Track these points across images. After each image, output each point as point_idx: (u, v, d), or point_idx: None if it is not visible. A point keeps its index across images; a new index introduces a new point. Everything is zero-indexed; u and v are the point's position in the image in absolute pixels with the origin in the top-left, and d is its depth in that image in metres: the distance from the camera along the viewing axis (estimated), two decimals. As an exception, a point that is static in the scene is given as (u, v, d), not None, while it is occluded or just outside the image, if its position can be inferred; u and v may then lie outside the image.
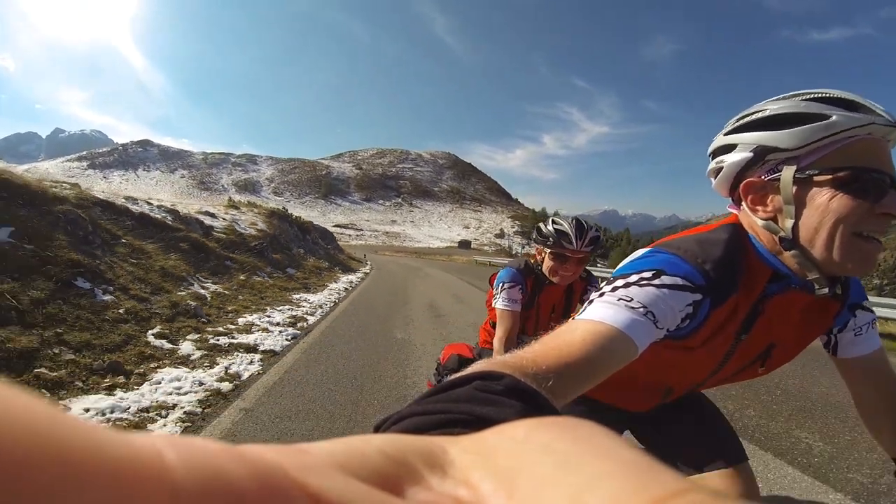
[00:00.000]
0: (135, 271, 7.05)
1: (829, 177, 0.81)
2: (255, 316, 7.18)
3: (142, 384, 3.86)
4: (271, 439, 2.95)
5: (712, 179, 1.00)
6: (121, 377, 3.95)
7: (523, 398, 0.34)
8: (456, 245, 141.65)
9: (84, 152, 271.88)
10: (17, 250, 5.39)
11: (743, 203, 0.93)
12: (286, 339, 5.99)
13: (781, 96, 0.90)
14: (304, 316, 7.83)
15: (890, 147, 0.85)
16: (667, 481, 0.15)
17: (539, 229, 2.31)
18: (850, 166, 0.80)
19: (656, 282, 0.82)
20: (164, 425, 3.17)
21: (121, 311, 5.50)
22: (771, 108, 0.88)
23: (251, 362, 4.86)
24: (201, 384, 3.97)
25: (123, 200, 9.91)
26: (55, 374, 3.69)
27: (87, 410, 3.24)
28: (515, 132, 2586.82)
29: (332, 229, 27.78)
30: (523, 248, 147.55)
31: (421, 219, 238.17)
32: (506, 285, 2.22)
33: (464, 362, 2.57)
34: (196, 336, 5.53)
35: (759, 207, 0.90)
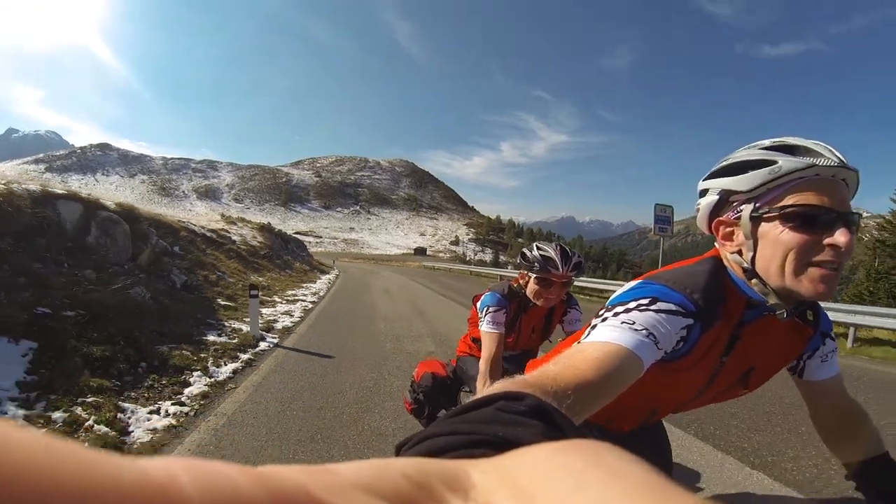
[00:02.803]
0: (227, 269, 13.43)
1: (777, 213, 0.91)
2: (293, 291, 13.87)
3: (276, 307, 10.39)
4: (333, 319, 9.50)
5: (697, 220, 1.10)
6: (266, 307, 10.42)
7: (546, 418, 0.34)
8: (412, 252, 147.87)
9: (41, 155, 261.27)
10: (190, 257, 11.72)
11: (718, 239, 1.03)
12: (317, 299, 12.75)
13: (746, 146, 1.01)
14: (317, 291, 14.63)
15: (845, 184, 0.92)
16: (682, 501, 0.15)
17: (524, 255, 2.38)
18: (794, 204, 0.89)
19: (654, 307, 0.89)
20: (296, 311, 9.71)
21: (240, 286, 11.94)
22: (735, 157, 0.99)
23: (309, 304, 11.51)
24: (297, 307, 10.56)
25: (191, 224, 16.12)
26: (241, 305, 10.14)
27: (273, 308, 9.68)
28: (473, 140, 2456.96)
29: (292, 237, 32.65)
30: (476, 255, 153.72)
31: (378, 226, 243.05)
32: (491, 309, 2.30)
33: (437, 380, 2.79)
34: (278, 297, 12.10)
35: (728, 243, 1.00)
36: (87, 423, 3.57)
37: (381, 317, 9.76)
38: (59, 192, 8.44)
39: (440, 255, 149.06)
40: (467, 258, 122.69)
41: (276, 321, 8.60)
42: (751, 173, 0.93)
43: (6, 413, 3.55)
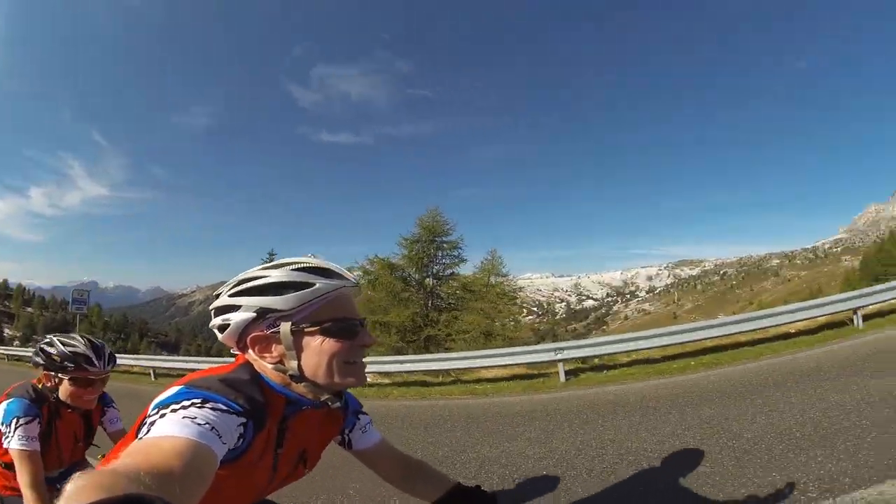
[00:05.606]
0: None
1: (318, 328, 0.99)
2: None
3: None
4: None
5: (217, 332, 1.07)
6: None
7: None
8: None
9: None
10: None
11: (250, 350, 1.04)
12: None
13: (275, 263, 1.06)
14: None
15: (354, 297, 1.10)
16: None
17: (46, 353, 1.94)
18: (331, 318, 1.01)
19: (208, 406, 0.87)
20: None
21: None
22: (268, 275, 1.01)
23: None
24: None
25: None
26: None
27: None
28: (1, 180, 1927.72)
29: None
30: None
31: None
32: (21, 421, 1.83)
33: None
34: None
35: (266, 355, 1.02)
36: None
37: None
38: None
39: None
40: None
41: None
42: (292, 294, 0.98)
43: None
